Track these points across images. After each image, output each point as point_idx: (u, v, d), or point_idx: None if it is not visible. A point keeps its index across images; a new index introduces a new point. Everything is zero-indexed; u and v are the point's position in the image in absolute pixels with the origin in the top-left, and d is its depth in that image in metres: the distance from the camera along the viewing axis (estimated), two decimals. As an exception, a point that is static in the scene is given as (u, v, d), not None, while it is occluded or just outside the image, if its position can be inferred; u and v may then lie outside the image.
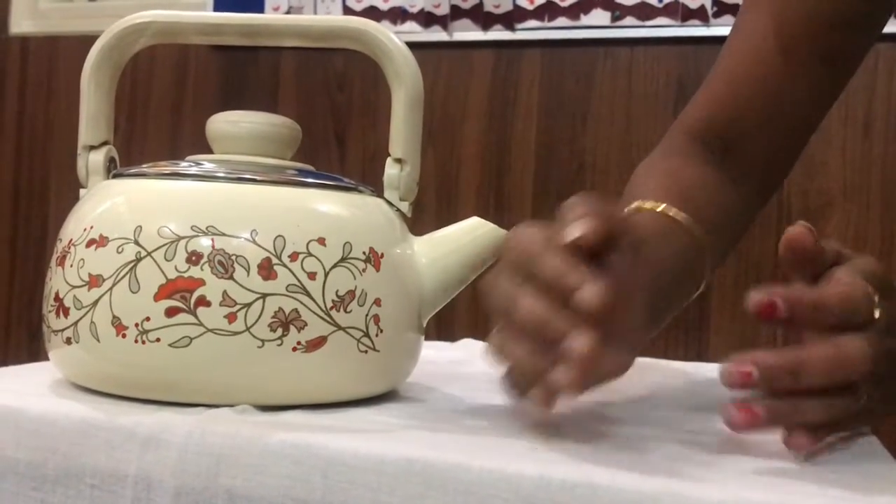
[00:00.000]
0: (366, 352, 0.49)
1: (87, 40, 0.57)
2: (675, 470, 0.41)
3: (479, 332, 1.21)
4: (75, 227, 0.51)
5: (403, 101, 0.54)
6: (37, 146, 1.66)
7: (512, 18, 1.39)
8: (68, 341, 0.49)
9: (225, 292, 0.46)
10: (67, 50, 1.65)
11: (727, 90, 0.68)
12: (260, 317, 0.46)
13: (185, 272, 0.46)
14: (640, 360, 0.90)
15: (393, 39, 0.54)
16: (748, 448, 0.47)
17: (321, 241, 0.48)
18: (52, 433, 0.45)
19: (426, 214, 1.33)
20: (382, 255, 0.51)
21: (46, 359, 0.54)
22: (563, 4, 1.37)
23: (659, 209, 0.61)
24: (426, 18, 1.42)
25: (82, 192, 0.55)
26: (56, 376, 0.54)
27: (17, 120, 1.68)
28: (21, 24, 1.69)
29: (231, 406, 0.47)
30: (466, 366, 0.75)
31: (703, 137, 0.69)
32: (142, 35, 0.55)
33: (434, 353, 0.79)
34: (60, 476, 0.45)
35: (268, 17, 0.56)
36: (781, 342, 1.27)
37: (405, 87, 0.54)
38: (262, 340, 0.46)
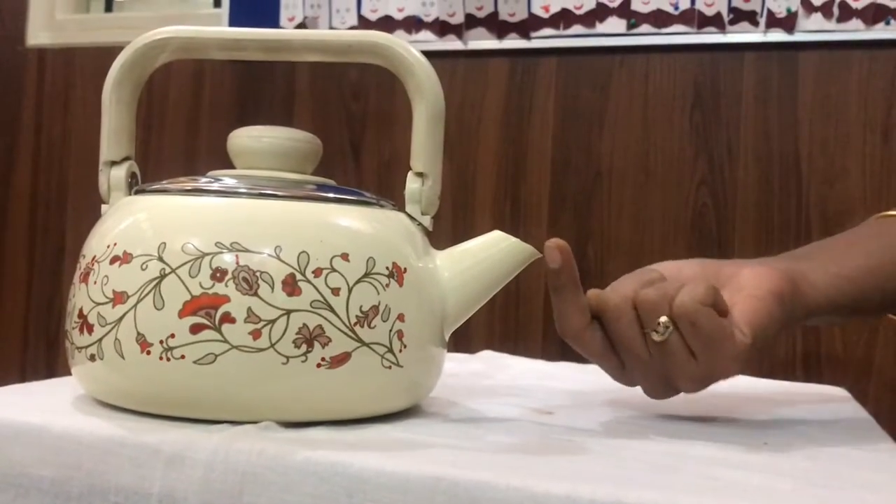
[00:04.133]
0: (389, 367, 0.49)
1: (104, 52, 0.57)
2: (706, 488, 0.41)
3: (496, 344, 1.20)
4: (98, 243, 0.51)
5: (425, 115, 0.54)
6: (54, 158, 1.67)
7: (527, 27, 1.39)
8: (92, 358, 0.49)
9: (249, 309, 0.46)
10: (84, 61, 1.65)
11: None
12: (284, 333, 0.46)
13: (209, 289, 0.46)
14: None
15: (415, 54, 0.53)
16: (782, 466, 0.46)
17: (344, 256, 0.48)
18: (76, 450, 0.45)
19: (442, 223, 1.33)
20: (405, 269, 0.50)
21: (65, 370, 0.53)
22: (578, 12, 1.37)
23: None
24: (441, 27, 1.41)
25: (104, 207, 0.55)
26: (79, 392, 0.54)
27: (34, 132, 1.69)
28: (38, 35, 1.70)
29: (255, 423, 0.47)
30: (487, 378, 0.75)
31: None
32: (163, 51, 0.55)
33: (455, 365, 0.79)
34: (84, 493, 0.45)
35: (289, 33, 0.56)
36: (801, 348, 1.26)
37: (427, 101, 0.54)
38: (287, 357, 0.46)
